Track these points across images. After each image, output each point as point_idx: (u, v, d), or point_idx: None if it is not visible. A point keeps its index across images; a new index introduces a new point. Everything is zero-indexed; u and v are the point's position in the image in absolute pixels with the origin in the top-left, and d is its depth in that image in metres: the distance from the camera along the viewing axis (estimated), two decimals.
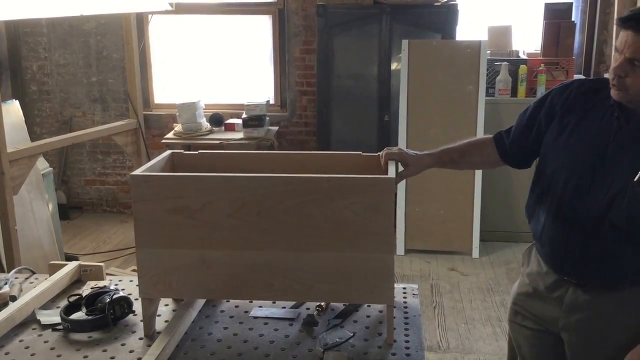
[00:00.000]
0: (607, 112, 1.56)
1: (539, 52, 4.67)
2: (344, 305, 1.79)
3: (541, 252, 1.71)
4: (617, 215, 1.50)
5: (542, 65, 4.41)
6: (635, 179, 1.43)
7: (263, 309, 1.80)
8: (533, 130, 1.72)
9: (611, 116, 1.55)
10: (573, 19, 4.58)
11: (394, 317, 1.66)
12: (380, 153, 1.75)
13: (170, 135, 4.60)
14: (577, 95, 1.64)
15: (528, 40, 4.95)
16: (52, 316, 1.72)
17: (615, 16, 4.43)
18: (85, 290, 1.86)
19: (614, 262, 1.56)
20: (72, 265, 1.98)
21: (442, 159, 1.80)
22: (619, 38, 1.48)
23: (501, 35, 4.80)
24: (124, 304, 1.70)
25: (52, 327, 1.68)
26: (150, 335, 1.63)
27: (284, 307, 1.80)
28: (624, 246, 1.54)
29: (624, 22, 1.45)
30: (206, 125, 4.65)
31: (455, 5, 4.39)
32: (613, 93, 1.51)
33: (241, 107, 4.68)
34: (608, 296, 1.60)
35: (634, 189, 1.45)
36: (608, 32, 4.61)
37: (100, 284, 1.92)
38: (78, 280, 1.98)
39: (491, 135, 1.84)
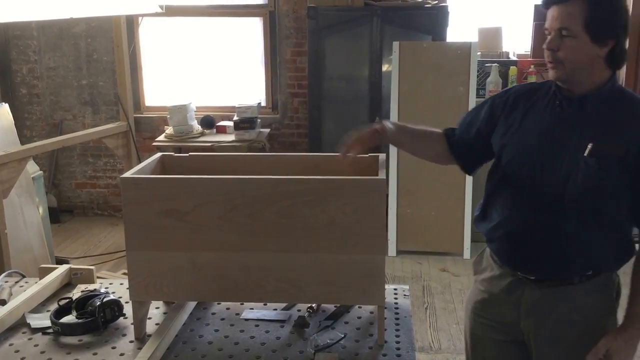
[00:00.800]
0: (549, 102, 1.62)
1: (529, 53, 4.69)
2: (335, 306, 1.79)
3: (497, 251, 1.71)
4: (574, 191, 1.53)
5: (532, 66, 4.44)
6: (585, 153, 1.50)
7: (254, 311, 1.80)
8: (473, 129, 1.76)
9: (553, 104, 1.60)
10: None
11: (385, 318, 1.67)
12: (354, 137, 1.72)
13: (161, 137, 4.59)
14: (518, 97, 1.69)
15: (518, 41, 4.97)
16: (42, 320, 1.72)
17: None
18: (76, 293, 1.85)
19: (576, 250, 1.57)
20: (62, 268, 1.97)
21: (402, 129, 1.80)
22: (546, 20, 1.53)
23: (491, 36, 4.82)
24: (115, 307, 1.70)
25: (43, 330, 1.67)
26: (141, 338, 1.62)
27: (275, 309, 1.80)
28: (582, 230, 1.55)
29: (548, 3, 1.52)
30: (197, 127, 4.65)
31: (446, 7, 4.41)
32: (551, 74, 1.56)
33: (232, 109, 4.68)
34: (565, 292, 1.61)
35: (586, 163, 1.51)
36: None
37: (91, 287, 1.92)
38: (68, 283, 1.97)
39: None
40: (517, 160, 1.63)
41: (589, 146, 1.51)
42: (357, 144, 1.70)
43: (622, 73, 4.37)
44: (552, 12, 1.51)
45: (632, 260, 1.61)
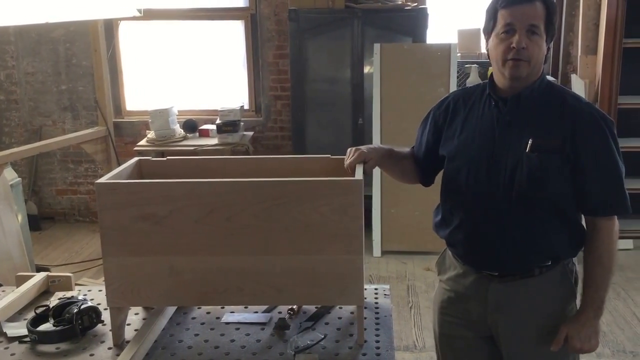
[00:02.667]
0: (485, 104, 1.68)
1: None
2: (315, 307, 1.79)
3: (458, 253, 1.75)
4: (521, 184, 1.59)
5: None
6: (527, 149, 1.58)
7: (235, 314, 1.79)
8: (423, 146, 1.83)
9: (490, 106, 1.67)
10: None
11: (365, 318, 1.67)
12: (349, 164, 1.73)
13: (142, 142, 4.55)
14: (456, 102, 1.76)
15: None
16: (18, 328, 1.69)
17: (581, 19, 4.52)
18: (53, 301, 1.83)
19: (531, 242, 1.63)
20: (39, 276, 1.95)
21: (390, 154, 1.83)
22: (503, 19, 1.57)
23: (470, 38, 4.86)
24: (93, 314, 1.68)
25: (19, 339, 1.65)
26: (120, 345, 1.61)
27: (256, 312, 1.80)
28: (534, 222, 1.62)
29: (514, 2, 1.56)
30: (180, 131, 4.62)
31: (425, 9, 4.43)
32: (514, 72, 1.58)
33: (215, 112, 4.66)
34: (527, 284, 1.66)
35: (529, 158, 1.58)
36: (574, 34, 4.69)
37: (69, 294, 1.90)
38: (46, 291, 1.95)
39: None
40: (463, 164, 1.68)
41: (529, 142, 1.58)
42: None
43: (597, 74, 4.42)
44: (518, 11, 1.56)
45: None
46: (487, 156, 1.64)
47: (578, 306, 1.70)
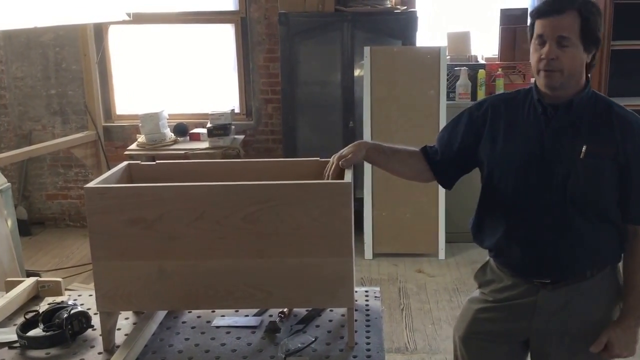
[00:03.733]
0: (531, 111, 1.67)
1: (497, 56, 4.76)
2: (306, 310, 1.79)
3: (507, 262, 1.74)
4: (575, 192, 1.60)
5: (500, 69, 4.51)
6: (582, 155, 1.59)
7: (225, 318, 1.79)
8: (455, 145, 1.78)
9: (536, 113, 1.66)
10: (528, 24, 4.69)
11: (356, 320, 1.68)
12: (325, 172, 1.72)
13: (133, 146, 4.54)
14: (495, 108, 1.73)
15: (486, 45, 5.04)
16: (8, 334, 1.69)
17: None
18: (43, 306, 1.82)
19: (585, 247, 1.64)
20: (29, 281, 1.94)
21: (377, 148, 1.80)
22: (536, 30, 1.59)
23: (460, 41, 4.88)
24: (83, 318, 1.67)
25: (9, 345, 1.64)
26: (110, 350, 1.61)
27: (246, 315, 1.80)
28: (587, 227, 1.63)
29: (544, 13, 1.57)
30: (170, 135, 4.61)
31: (415, 12, 4.46)
32: (545, 82, 1.60)
33: (206, 116, 4.65)
34: (578, 288, 1.67)
35: (584, 164, 1.59)
36: None
37: (59, 299, 1.89)
38: (36, 296, 1.94)
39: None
40: (510, 171, 1.67)
41: (583, 148, 1.59)
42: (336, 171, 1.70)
43: None
44: (548, 22, 1.56)
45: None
46: (537, 163, 1.63)
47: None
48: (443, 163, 1.82)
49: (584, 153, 1.59)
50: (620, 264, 1.72)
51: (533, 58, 1.61)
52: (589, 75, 1.67)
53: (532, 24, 1.62)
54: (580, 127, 1.62)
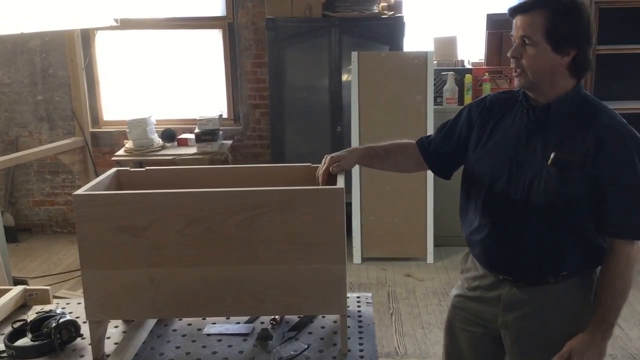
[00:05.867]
0: (518, 111, 1.67)
1: (483, 61, 4.80)
2: (298, 317, 1.79)
3: (476, 255, 1.77)
4: (537, 198, 1.58)
5: (487, 74, 4.54)
6: (549, 162, 1.55)
7: (217, 325, 1.78)
8: (453, 139, 1.80)
9: (522, 112, 1.66)
10: None
11: (348, 327, 1.67)
12: (318, 173, 1.73)
13: (120, 152, 4.51)
14: (492, 104, 1.75)
15: (472, 50, 5.08)
16: None
17: None
18: (31, 315, 1.80)
19: (544, 254, 1.62)
20: (16, 289, 1.92)
21: (369, 152, 1.82)
22: (512, 29, 1.59)
23: (447, 45, 4.91)
24: (71, 327, 1.66)
25: None
26: (100, 359, 1.59)
27: (238, 323, 1.79)
28: (547, 234, 1.61)
29: (513, 12, 1.57)
30: (158, 141, 4.59)
31: (402, 18, 4.48)
32: (516, 82, 1.62)
33: (193, 121, 4.63)
34: (542, 291, 1.66)
35: (549, 172, 1.56)
36: None
37: (47, 307, 1.87)
38: (24, 305, 1.92)
39: (414, 141, 1.89)
40: (487, 167, 1.68)
41: (552, 155, 1.55)
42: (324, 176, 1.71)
43: None
44: (516, 21, 1.56)
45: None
46: (510, 162, 1.63)
47: None
48: (438, 155, 1.83)
49: (552, 160, 1.55)
50: (595, 275, 1.67)
51: None
52: (581, 78, 1.61)
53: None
54: (555, 131, 1.58)
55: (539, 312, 1.67)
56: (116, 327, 1.75)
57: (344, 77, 4.51)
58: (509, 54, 1.59)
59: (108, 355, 1.59)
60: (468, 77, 4.49)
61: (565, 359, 1.60)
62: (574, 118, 1.58)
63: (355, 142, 4.33)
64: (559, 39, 1.52)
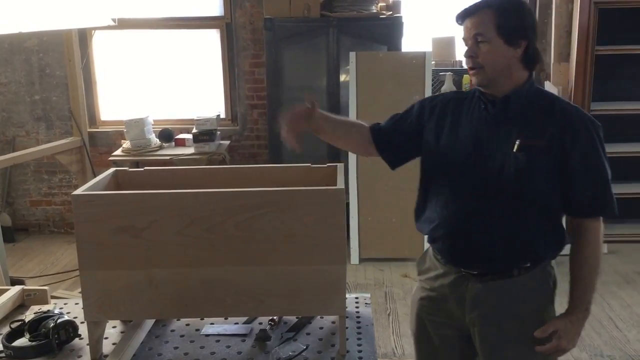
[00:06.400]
0: (475, 107, 1.72)
1: None
2: (296, 318, 1.78)
3: (440, 250, 1.78)
4: (508, 183, 1.62)
5: None
6: (515, 149, 1.62)
7: (215, 326, 1.78)
8: (402, 129, 1.84)
9: (479, 108, 1.71)
10: None
11: (347, 328, 1.67)
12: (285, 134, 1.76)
13: (118, 152, 4.50)
14: (447, 102, 1.80)
15: None
16: None
17: (553, 26, 4.61)
18: (29, 315, 1.79)
19: (513, 242, 1.66)
20: (14, 290, 1.91)
21: (325, 116, 1.83)
22: (463, 33, 1.66)
23: (445, 46, 4.91)
24: (69, 328, 1.65)
25: None
26: (97, 359, 1.58)
27: (236, 323, 1.79)
28: (518, 222, 1.65)
29: (462, 17, 1.65)
30: (155, 141, 4.58)
31: (400, 18, 4.48)
32: (474, 80, 1.67)
33: (191, 122, 4.63)
34: (506, 285, 1.69)
35: (516, 158, 1.62)
36: (547, 41, 4.78)
37: (45, 308, 1.86)
38: (21, 305, 1.91)
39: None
40: (451, 163, 1.71)
41: (517, 142, 1.62)
42: (292, 120, 1.76)
43: (570, 81, 4.52)
44: (466, 24, 1.64)
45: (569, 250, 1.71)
46: (475, 155, 1.67)
47: (556, 310, 1.73)
48: (387, 141, 1.86)
49: (517, 146, 1.61)
50: (554, 262, 1.75)
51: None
52: (533, 70, 1.69)
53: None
54: (517, 121, 1.65)
55: (503, 307, 1.69)
56: (114, 327, 1.75)
57: (342, 78, 4.51)
58: (464, 55, 1.65)
59: (106, 356, 1.58)
60: (466, 78, 4.50)
61: (547, 335, 1.66)
62: (533, 107, 1.66)
63: None
64: (510, 32, 1.61)
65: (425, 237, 1.83)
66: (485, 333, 1.72)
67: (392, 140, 1.85)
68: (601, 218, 1.67)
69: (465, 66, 1.79)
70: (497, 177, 1.63)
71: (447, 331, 1.79)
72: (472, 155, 1.67)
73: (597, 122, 1.65)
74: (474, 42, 1.62)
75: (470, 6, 1.64)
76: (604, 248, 4.41)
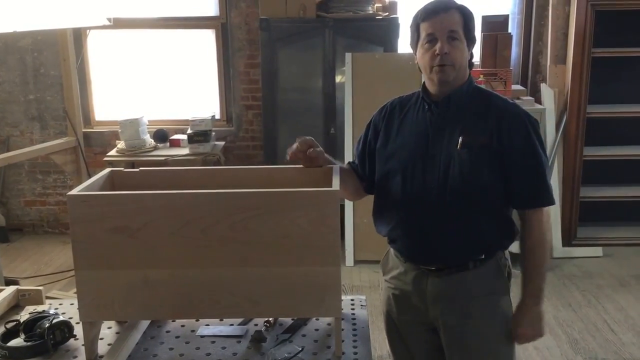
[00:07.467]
0: (419, 109, 1.78)
1: (478, 63, 4.81)
2: (292, 319, 1.78)
3: (398, 249, 1.83)
4: (454, 180, 1.68)
5: (481, 76, 4.54)
6: (458, 146, 1.68)
7: (210, 327, 1.77)
8: (366, 152, 1.89)
9: (423, 109, 1.76)
10: (509, 31, 4.75)
11: (343, 329, 1.67)
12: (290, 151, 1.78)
13: (112, 152, 4.49)
14: (392, 109, 1.86)
15: None
16: None
17: (550, 28, 4.63)
18: (24, 315, 1.79)
19: (465, 237, 1.71)
20: (9, 290, 1.90)
21: (330, 162, 1.85)
22: (425, 31, 1.68)
23: None
24: (65, 328, 1.65)
25: None
26: None
27: (231, 324, 1.78)
28: (468, 216, 1.70)
29: (435, 12, 1.67)
30: (150, 141, 4.57)
31: (396, 19, 4.48)
32: (440, 76, 1.68)
33: (186, 122, 4.62)
34: (463, 278, 1.75)
35: (459, 155, 1.68)
36: (543, 43, 4.80)
37: (40, 308, 1.86)
38: (16, 305, 1.91)
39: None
40: (399, 165, 1.76)
41: (460, 139, 1.69)
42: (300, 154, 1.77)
43: (567, 84, 4.53)
44: (437, 20, 1.66)
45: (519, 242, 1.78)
46: (422, 156, 1.73)
47: (512, 300, 1.80)
48: (363, 172, 1.92)
49: (460, 143, 1.68)
50: (508, 254, 1.82)
51: (424, 58, 1.70)
52: (470, 70, 1.77)
53: (417, 28, 1.72)
54: (459, 120, 1.71)
55: (463, 299, 1.74)
56: (109, 328, 1.74)
57: (338, 79, 4.51)
58: (441, 50, 1.66)
59: (101, 356, 1.58)
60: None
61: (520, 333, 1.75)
62: (473, 105, 1.73)
63: (348, 144, 4.33)
64: (470, 35, 1.71)
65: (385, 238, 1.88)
66: (448, 325, 1.77)
67: (365, 170, 1.91)
68: (544, 209, 1.73)
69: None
70: (444, 175, 1.69)
71: (415, 327, 1.85)
72: (419, 155, 1.73)
73: (533, 117, 1.73)
74: (448, 39, 1.65)
75: (442, 3, 1.69)
76: (600, 251, 4.45)
